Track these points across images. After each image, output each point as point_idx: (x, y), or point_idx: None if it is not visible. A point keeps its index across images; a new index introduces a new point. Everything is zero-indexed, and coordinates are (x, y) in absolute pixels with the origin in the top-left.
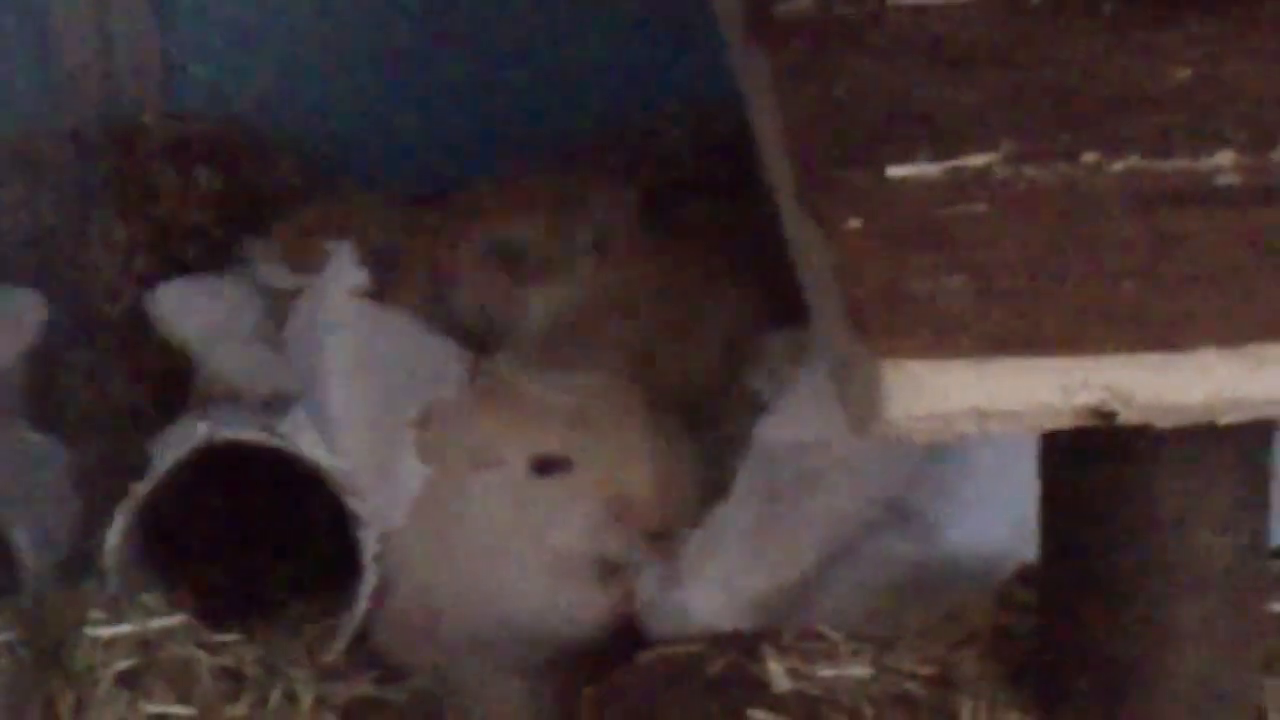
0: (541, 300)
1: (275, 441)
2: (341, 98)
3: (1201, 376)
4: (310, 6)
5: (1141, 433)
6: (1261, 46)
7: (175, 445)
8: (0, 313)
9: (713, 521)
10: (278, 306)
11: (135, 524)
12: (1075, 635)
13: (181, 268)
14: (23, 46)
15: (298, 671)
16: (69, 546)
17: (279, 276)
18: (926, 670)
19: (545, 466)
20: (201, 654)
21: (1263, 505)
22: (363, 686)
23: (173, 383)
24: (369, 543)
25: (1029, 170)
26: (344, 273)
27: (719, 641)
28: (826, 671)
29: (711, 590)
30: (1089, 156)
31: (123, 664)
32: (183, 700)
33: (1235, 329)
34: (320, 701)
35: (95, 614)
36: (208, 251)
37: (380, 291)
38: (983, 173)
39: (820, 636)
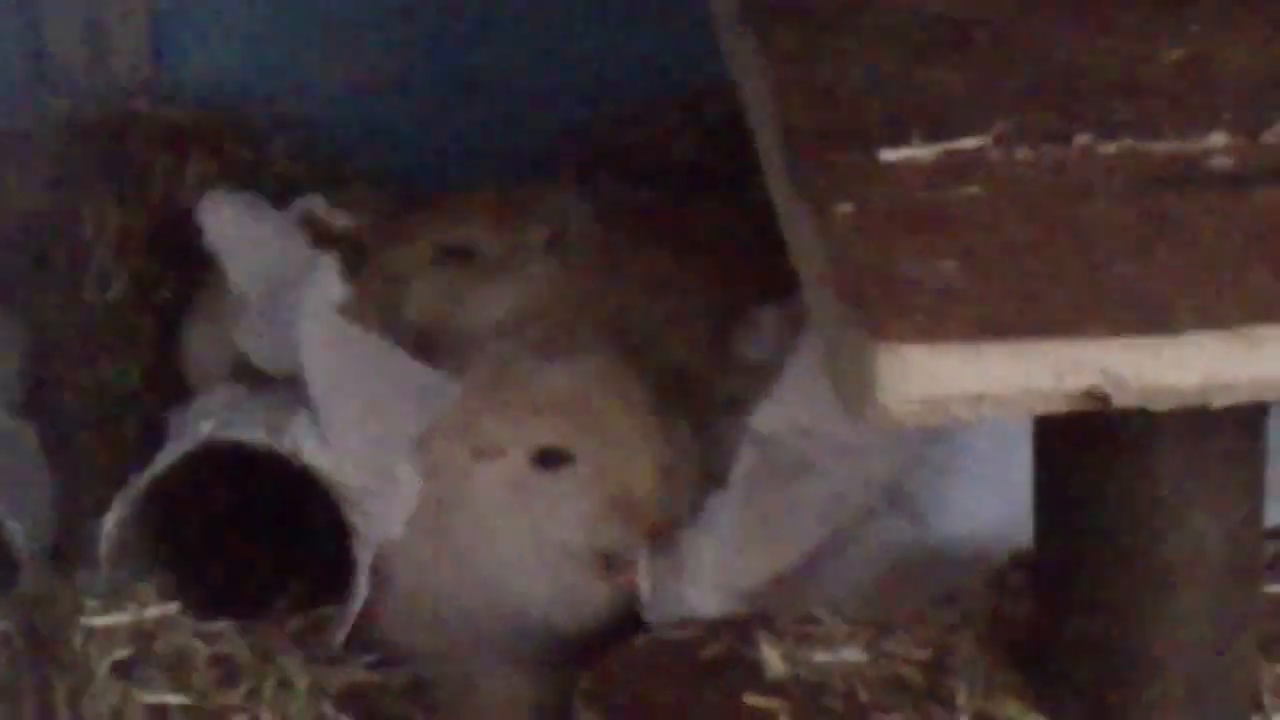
0: (492, 298)
1: (276, 446)
2: (335, 85)
3: (1195, 359)
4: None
5: (1135, 416)
6: (1253, 28)
7: (193, 423)
8: None
9: (709, 511)
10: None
11: (135, 512)
12: (1070, 619)
13: (174, 254)
14: (12, 33)
15: (292, 659)
16: (51, 530)
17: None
18: (921, 654)
19: (547, 459)
20: (197, 643)
21: (1257, 487)
22: (357, 673)
23: (165, 366)
24: (364, 556)
25: (1021, 153)
26: (327, 286)
27: (714, 626)
28: (821, 656)
29: (710, 582)
30: (1081, 139)
31: (119, 653)
32: (179, 689)
33: (1228, 311)
34: (315, 688)
35: (91, 603)
36: (199, 235)
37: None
38: (975, 156)
39: (815, 621)
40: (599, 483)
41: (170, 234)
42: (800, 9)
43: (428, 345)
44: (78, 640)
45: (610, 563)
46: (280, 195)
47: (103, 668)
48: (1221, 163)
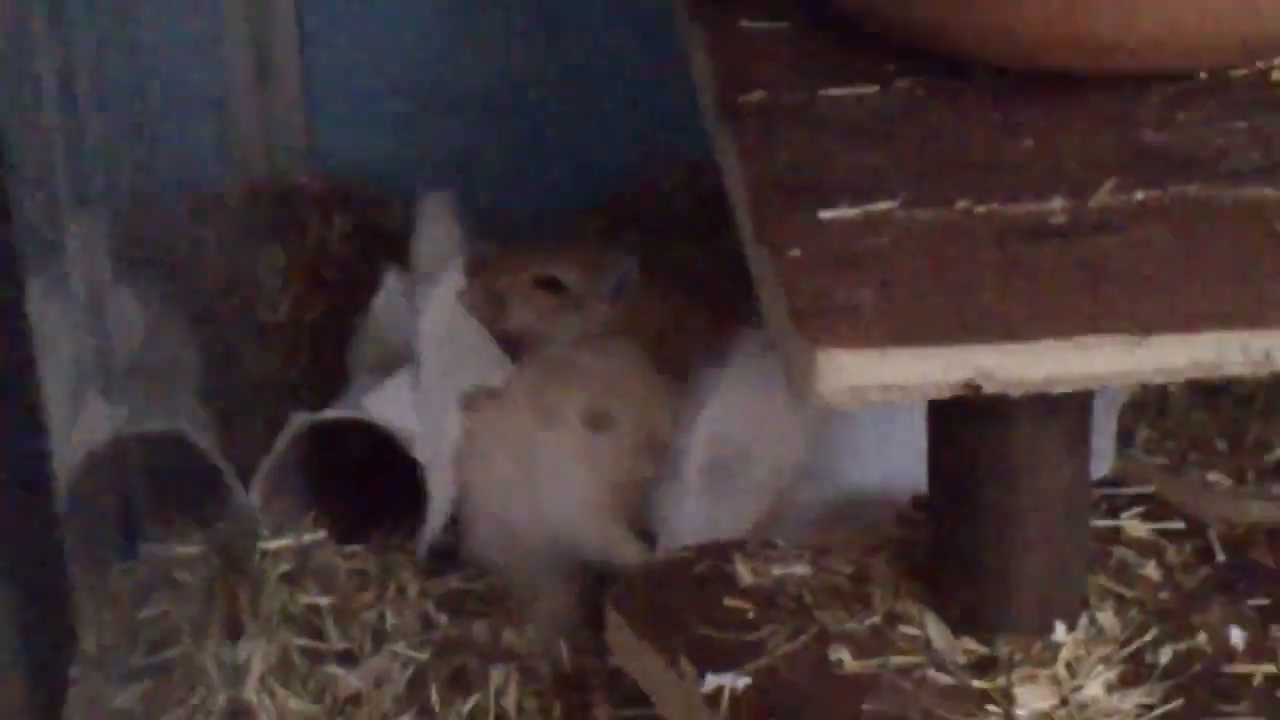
0: (571, 322)
1: (351, 414)
2: (440, 162)
3: (1041, 360)
4: (413, 97)
5: (999, 400)
6: (1084, 123)
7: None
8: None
9: (664, 498)
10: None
11: (286, 464)
12: (954, 545)
13: (324, 286)
14: (206, 124)
15: (406, 571)
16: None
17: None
18: (849, 569)
19: (595, 422)
20: (339, 560)
21: (1084, 450)
22: (452, 582)
23: (317, 365)
24: (432, 483)
25: (919, 213)
26: (454, 276)
27: (702, 550)
28: (778, 570)
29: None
30: (961, 203)
31: (284, 567)
32: (325, 593)
33: (1066, 325)
34: (422, 592)
35: (264, 532)
36: (343, 273)
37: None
38: (886, 215)
39: (773, 546)
40: (632, 435)
41: (319, 271)
42: (762, 109)
43: (518, 349)
44: (255, 558)
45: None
46: (395, 240)
47: (273, 578)
48: (1059, 220)
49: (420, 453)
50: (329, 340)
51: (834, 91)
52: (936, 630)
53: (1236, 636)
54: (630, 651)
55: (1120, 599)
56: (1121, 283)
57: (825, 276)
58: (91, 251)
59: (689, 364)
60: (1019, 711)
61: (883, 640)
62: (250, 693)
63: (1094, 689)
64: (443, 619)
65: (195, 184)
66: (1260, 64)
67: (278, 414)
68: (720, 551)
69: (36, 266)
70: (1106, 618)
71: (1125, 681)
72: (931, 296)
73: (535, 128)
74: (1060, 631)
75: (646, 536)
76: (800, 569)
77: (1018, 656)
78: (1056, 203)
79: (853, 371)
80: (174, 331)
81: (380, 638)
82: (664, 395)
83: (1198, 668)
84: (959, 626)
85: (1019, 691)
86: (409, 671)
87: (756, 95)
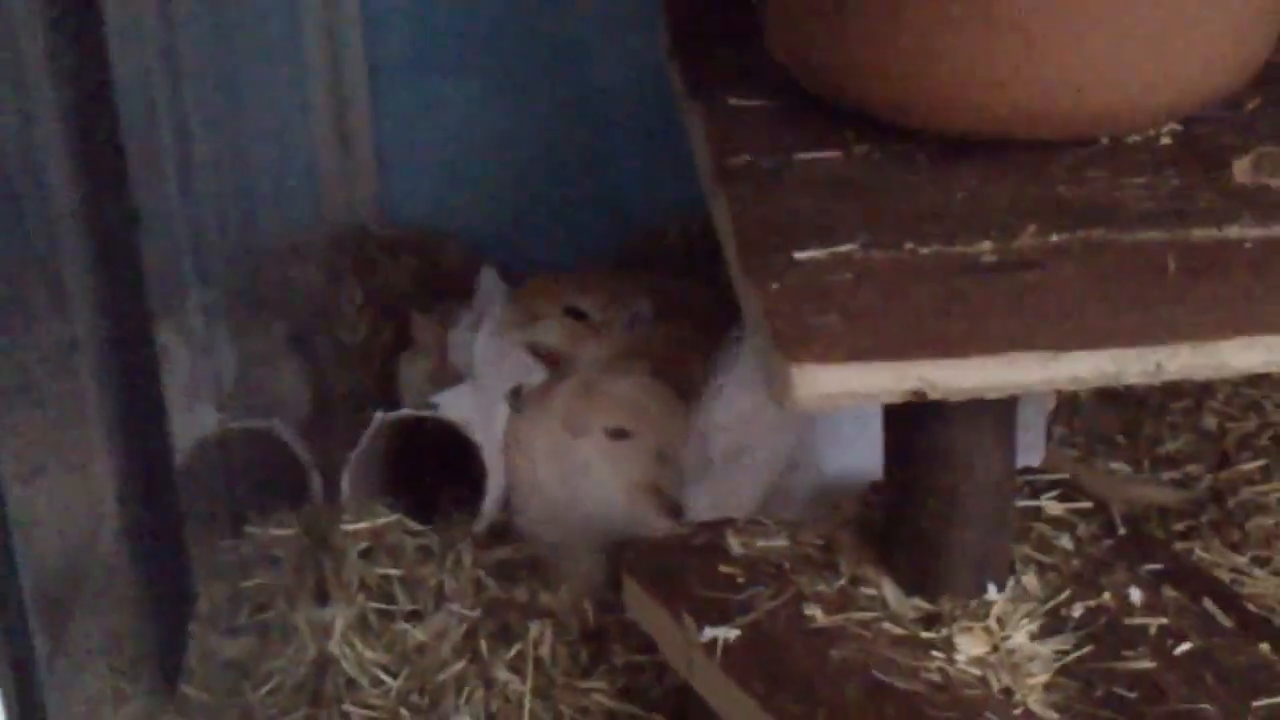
0: (594, 347)
1: (419, 411)
2: (488, 214)
3: (975, 372)
4: (468, 160)
5: (941, 404)
6: (1007, 181)
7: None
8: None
9: (696, 479)
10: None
11: (368, 460)
12: (905, 521)
13: (392, 314)
14: (300, 178)
15: (464, 546)
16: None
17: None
18: (820, 541)
19: (616, 435)
20: (407, 538)
21: (1011, 444)
22: (503, 553)
23: (385, 380)
24: (488, 464)
25: (875, 253)
26: (499, 313)
27: (701, 526)
28: (763, 542)
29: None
30: (909, 245)
31: (362, 545)
32: (396, 565)
33: (996, 344)
34: (477, 563)
35: (346, 516)
36: (407, 304)
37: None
38: (848, 255)
39: (759, 523)
40: (648, 447)
41: (388, 303)
42: (747, 170)
43: (546, 360)
44: (338, 537)
45: (662, 502)
46: (450, 277)
47: (353, 553)
48: (989, 258)
49: (480, 439)
50: (396, 359)
51: (806, 155)
52: (891, 591)
53: (1135, 595)
54: (643, 608)
55: (1041, 565)
56: (1040, 309)
57: (799, 305)
58: (205, 292)
59: (693, 379)
60: (958, 657)
61: (847, 599)
62: (334, 646)
63: (1020, 638)
64: (491, 584)
65: (289, 233)
66: (1151, 131)
67: (356, 419)
68: (716, 528)
69: (162, 306)
70: (1030, 580)
71: (1045, 632)
72: (885, 321)
73: (568, 186)
74: (992, 591)
75: (672, 513)
76: (781, 541)
77: (957, 612)
78: (987, 244)
79: (822, 382)
80: (272, 353)
81: (440, 600)
82: (673, 410)
83: (1104, 621)
84: (909, 588)
85: (959, 640)
86: (463, 627)
87: (743, 159)
